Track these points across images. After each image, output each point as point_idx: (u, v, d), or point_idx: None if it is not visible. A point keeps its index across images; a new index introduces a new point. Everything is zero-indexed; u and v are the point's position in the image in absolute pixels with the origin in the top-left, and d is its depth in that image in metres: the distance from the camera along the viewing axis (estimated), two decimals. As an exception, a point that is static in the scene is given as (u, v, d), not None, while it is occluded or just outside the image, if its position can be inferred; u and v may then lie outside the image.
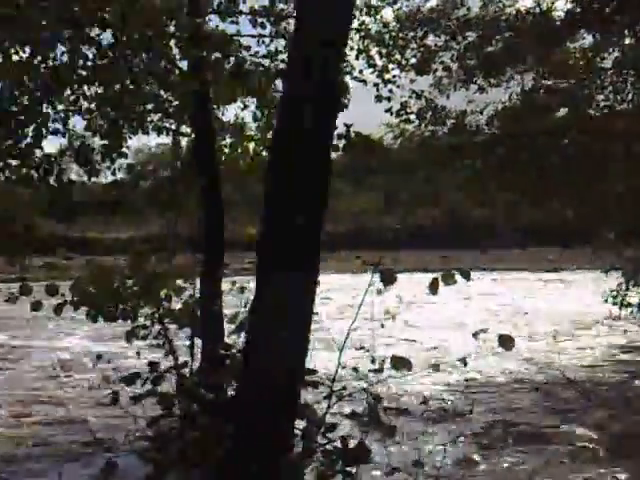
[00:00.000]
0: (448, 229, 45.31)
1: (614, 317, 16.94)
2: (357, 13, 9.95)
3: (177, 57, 6.82)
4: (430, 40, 11.41)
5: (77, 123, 7.04)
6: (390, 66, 10.36)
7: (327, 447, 3.55)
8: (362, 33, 10.16)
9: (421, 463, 4.09)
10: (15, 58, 6.40)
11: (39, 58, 6.24)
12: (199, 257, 7.69)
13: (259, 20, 9.06)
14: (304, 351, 3.61)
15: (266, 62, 9.00)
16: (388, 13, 10.78)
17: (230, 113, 15.45)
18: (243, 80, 7.91)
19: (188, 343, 3.93)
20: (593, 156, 11.49)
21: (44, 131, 6.38)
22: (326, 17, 3.63)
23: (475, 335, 3.97)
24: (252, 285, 4.58)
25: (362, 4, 10.17)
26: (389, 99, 10.44)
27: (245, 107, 9.53)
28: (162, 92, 6.63)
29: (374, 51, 10.27)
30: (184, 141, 8.87)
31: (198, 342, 4.03)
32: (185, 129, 8.27)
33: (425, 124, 11.98)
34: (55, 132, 6.94)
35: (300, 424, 3.66)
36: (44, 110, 6.41)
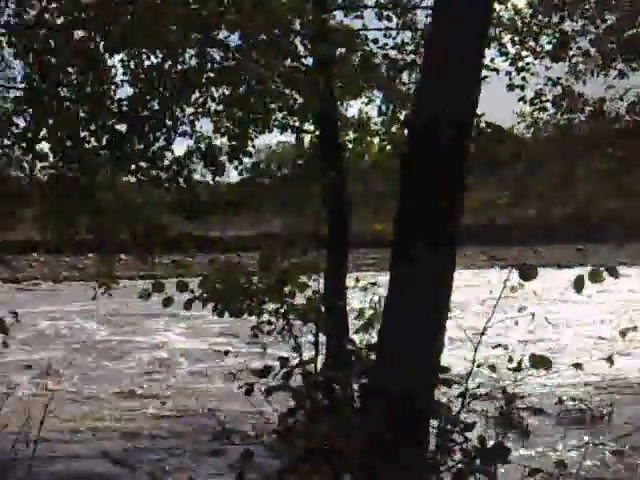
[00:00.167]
0: (577, 221, 42.97)
1: None
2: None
3: (303, 54, 6.96)
4: (567, 25, 10.90)
5: (203, 125, 7.38)
6: (523, 53, 10.08)
7: (464, 446, 3.51)
8: (494, 21, 9.90)
9: (564, 464, 3.93)
10: (146, 63, 6.78)
11: (169, 62, 6.58)
12: (323, 253, 7.81)
13: (385, 13, 9.04)
14: (439, 348, 3.59)
15: (393, 54, 8.98)
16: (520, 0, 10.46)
17: (353, 108, 15.54)
18: (370, 74, 7.94)
19: (312, 339, 3.99)
20: None
21: (173, 134, 6.74)
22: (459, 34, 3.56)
23: (623, 334, 3.78)
24: (378, 280, 4.62)
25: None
26: (522, 87, 10.14)
27: (370, 101, 9.56)
28: (287, 90, 6.79)
29: (506, 39, 10.02)
30: (307, 138, 9.04)
31: (323, 339, 4.09)
32: (308, 126, 8.43)
33: (561, 112, 11.48)
34: (183, 134, 7.30)
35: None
36: (174, 114, 6.77)
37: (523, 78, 10.11)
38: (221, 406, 9.17)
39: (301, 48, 6.79)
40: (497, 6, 9.96)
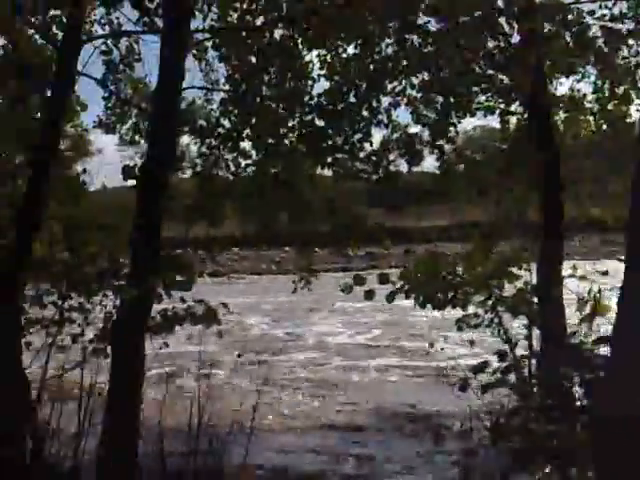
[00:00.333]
0: None
1: None
2: None
3: (508, 32, 6.68)
4: None
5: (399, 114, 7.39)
6: None
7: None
8: None
9: None
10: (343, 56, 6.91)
11: (366, 53, 6.66)
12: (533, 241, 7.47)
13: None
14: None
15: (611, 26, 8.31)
16: None
17: (564, 86, 14.66)
18: (584, 48, 7.41)
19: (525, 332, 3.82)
20: None
21: (370, 125, 6.82)
22: None
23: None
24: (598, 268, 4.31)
25: None
26: None
27: (583, 77, 8.93)
28: (491, 71, 6.58)
29: None
30: (512, 120, 8.66)
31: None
32: (515, 107, 8.05)
33: None
34: (379, 124, 7.36)
35: None
36: (371, 104, 6.85)
37: None
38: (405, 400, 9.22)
39: (506, 27, 6.51)
40: None
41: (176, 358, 11.11)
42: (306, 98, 7.25)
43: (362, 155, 7.12)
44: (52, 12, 7.40)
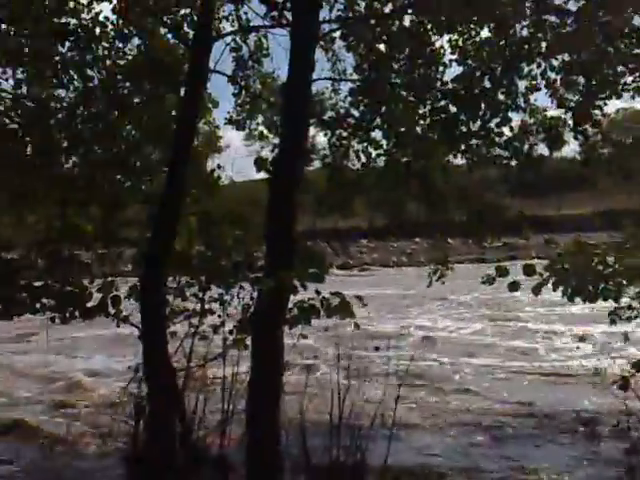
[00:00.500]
0: None
1: None
2: None
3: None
4: None
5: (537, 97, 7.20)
6: None
7: None
8: None
9: None
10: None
11: (502, 35, 6.55)
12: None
13: None
14: None
15: None
16: None
17: None
18: None
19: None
20: None
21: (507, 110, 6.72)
22: None
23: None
24: None
25: None
26: None
27: None
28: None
29: None
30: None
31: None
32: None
33: None
34: (516, 108, 7.22)
35: None
36: (509, 88, 6.73)
37: None
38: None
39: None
40: None
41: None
42: (438, 84, 7.23)
43: (500, 140, 7.01)
44: (183, 11, 7.82)
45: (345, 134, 7.74)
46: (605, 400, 8.50)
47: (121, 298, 6.63)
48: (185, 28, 7.63)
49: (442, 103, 7.23)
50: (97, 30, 7.60)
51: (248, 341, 6.31)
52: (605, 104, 6.69)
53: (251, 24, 7.97)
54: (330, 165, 8.08)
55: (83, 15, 7.60)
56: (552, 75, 6.75)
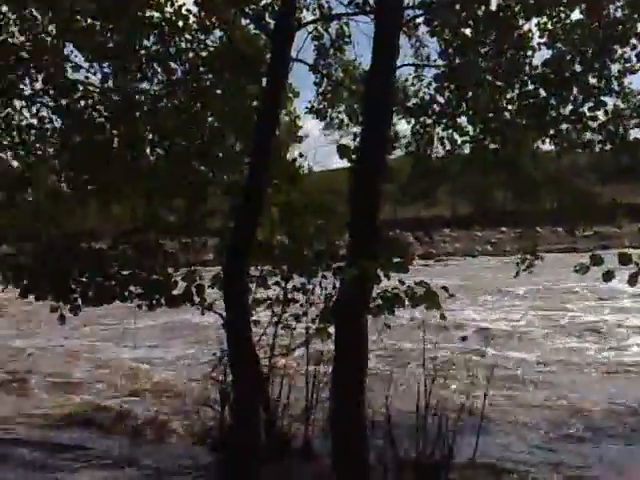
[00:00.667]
0: None
1: None
2: None
3: None
4: None
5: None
6: None
7: None
8: None
9: None
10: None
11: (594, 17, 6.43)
12: None
13: None
14: None
15: None
16: None
17: None
18: None
19: None
20: None
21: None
22: None
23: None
24: None
25: None
26: None
27: None
28: None
29: None
30: None
31: None
32: None
33: None
34: (610, 92, 7.07)
35: None
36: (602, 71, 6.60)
37: None
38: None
39: None
40: None
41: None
42: (526, 68, 7.16)
43: (593, 125, 6.89)
44: (264, 1, 7.99)
45: (429, 121, 7.76)
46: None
47: (205, 287, 6.89)
48: (267, 18, 7.79)
49: (531, 87, 7.16)
50: (180, 23, 7.86)
51: (331, 330, 6.45)
52: None
53: (333, 12, 8.06)
54: (413, 153, 8.11)
55: (166, 8, 7.88)
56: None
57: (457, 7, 7.07)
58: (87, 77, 8.14)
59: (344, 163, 6.43)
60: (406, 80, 8.21)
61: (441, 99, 7.61)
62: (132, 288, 6.88)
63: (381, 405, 6.32)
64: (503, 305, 18.93)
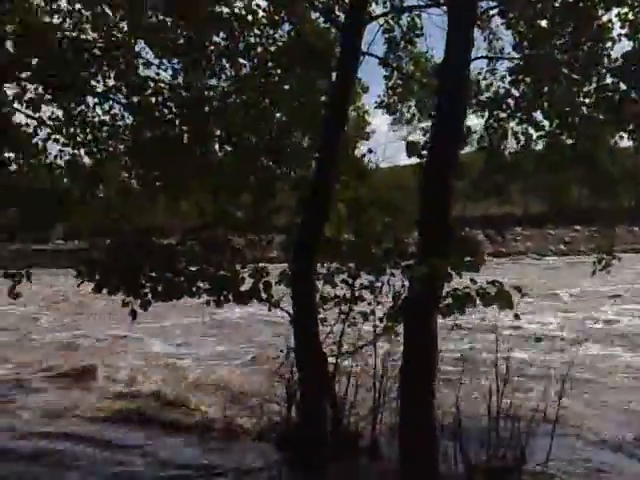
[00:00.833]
0: None
1: None
2: None
3: None
4: None
5: None
6: None
7: None
8: None
9: None
10: None
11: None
12: None
13: None
14: None
15: None
16: None
17: None
18: None
19: None
20: None
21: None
22: None
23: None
24: None
25: None
26: None
27: None
28: None
29: None
30: None
31: None
32: None
33: None
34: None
35: None
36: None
37: None
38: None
39: None
40: None
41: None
42: (604, 61, 6.97)
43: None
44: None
45: (503, 115, 7.63)
46: None
47: (272, 283, 6.95)
48: (337, 11, 7.81)
49: (609, 81, 6.97)
50: (249, 17, 7.95)
51: (399, 329, 6.43)
52: None
53: (405, 4, 8.02)
54: (486, 148, 7.99)
55: (236, 3, 7.98)
56: None
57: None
58: (157, 74, 8.31)
59: (412, 160, 6.40)
60: (479, 73, 8.10)
61: (516, 92, 7.47)
62: (200, 284, 6.97)
63: (451, 406, 6.26)
64: (576, 307, 18.52)
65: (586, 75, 7.15)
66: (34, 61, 8.01)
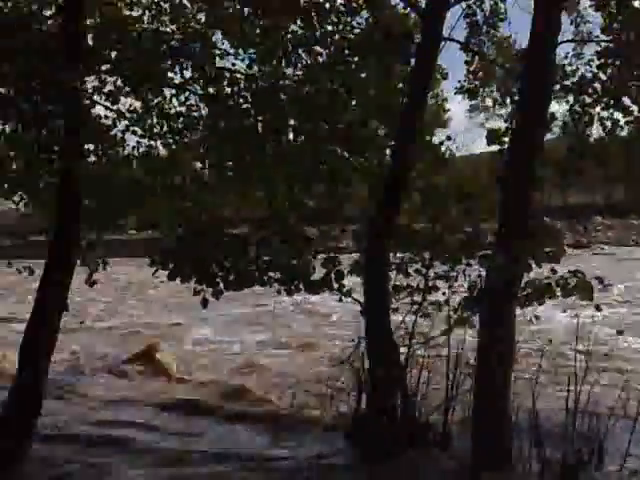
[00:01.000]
0: None
1: None
2: None
3: None
4: None
5: None
6: None
7: None
8: None
9: None
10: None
11: None
12: None
13: None
14: None
15: None
16: None
17: None
18: None
19: None
20: None
21: None
22: None
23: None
24: None
25: None
26: None
27: None
28: None
29: None
30: None
31: None
32: None
33: None
34: None
35: None
36: None
37: None
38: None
39: None
40: None
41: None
42: None
43: None
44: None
45: (589, 100, 7.34)
46: None
47: (344, 273, 6.90)
48: (417, -3, 7.65)
49: None
50: (327, 5, 7.89)
51: (474, 320, 6.29)
52: None
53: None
54: (570, 134, 7.69)
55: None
56: None
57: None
58: (234, 64, 8.36)
59: (487, 148, 6.24)
60: (565, 57, 7.82)
61: (603, 77, 7.18)
62: (271, 273, 6.99)
63: (525, 398, 6.08)
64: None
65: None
66: (113, 54, 8.18)
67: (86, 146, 7.99)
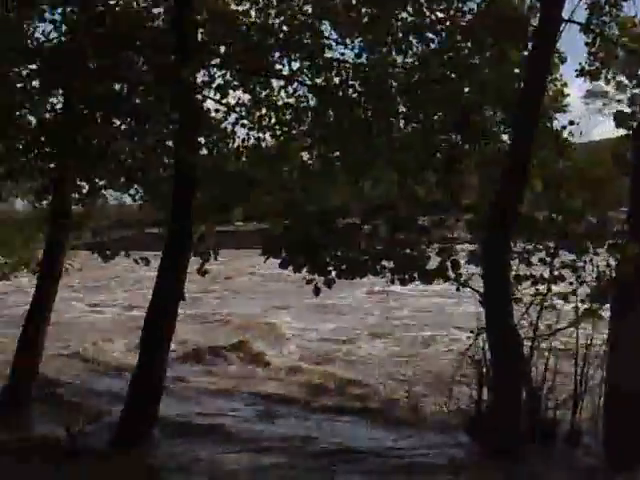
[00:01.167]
0: None
1: None
2: None
3: None
4: None
5: None
6: None
7: None
8: None
9: None
10: None
11: None
12: None
13: None
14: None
15: None
16: None
17: None
18: None
19: None
20: None
21: None
22: None
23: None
24: None
25: None
26: None
27: None
28: None
29: None
30: None
31: None
32: None
33: None
34: None
35: None
36: None
37: None
38: None
39: None
40: None
41: None
42: None
43: None
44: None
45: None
46: None
47: (460, 262, 6.77)
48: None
49: None
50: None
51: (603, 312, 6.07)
52: None
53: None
54: None
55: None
56: None
57: None
58: (342, 54, 8.34)
59: (606, 134, 5.99)
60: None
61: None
62: (385, 263, 6.94)
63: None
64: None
65: None
66: (222, 48, 8.29)
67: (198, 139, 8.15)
